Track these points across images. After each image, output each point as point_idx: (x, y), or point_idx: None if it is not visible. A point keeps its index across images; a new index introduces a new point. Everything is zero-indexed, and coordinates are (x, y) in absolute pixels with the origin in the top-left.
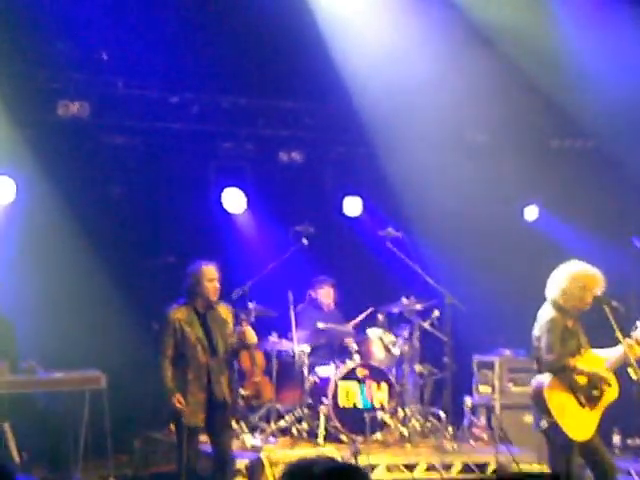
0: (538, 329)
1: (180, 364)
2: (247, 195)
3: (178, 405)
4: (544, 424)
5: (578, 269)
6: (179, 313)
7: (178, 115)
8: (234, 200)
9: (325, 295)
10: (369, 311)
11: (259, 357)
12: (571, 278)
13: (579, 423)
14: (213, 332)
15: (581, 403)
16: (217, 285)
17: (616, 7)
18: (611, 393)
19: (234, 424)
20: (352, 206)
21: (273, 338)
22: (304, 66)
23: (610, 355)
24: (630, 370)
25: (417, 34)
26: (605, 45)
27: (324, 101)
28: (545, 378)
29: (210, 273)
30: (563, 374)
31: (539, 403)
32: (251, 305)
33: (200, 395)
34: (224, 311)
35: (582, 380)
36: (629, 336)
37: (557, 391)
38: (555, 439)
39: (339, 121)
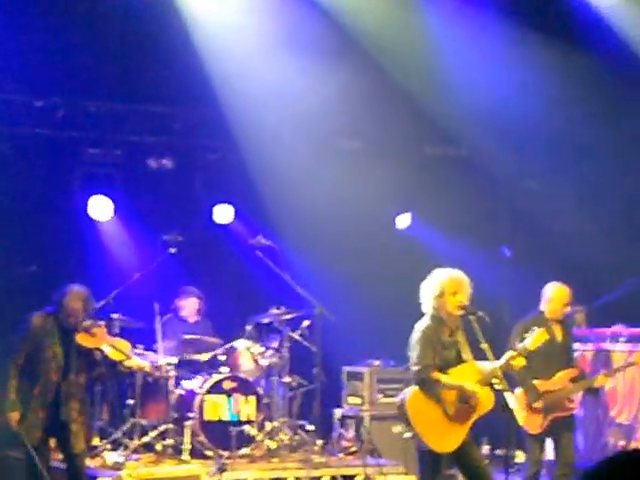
0: (411, 339)
1: (29, 376)
2: (114, 202)
3: (12, 423)
4: (408, 434)
5: (443, 275)
6: (41, 321)
7: (43, 120)
8: (101, 208)
9: (189, 307)
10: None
11: None
12: (437, 285)
13: (443, 435)
14: (72, 352)
15: (448, 416)
16: (73, 322)
17: (484, 15)
18: (483, 406)
19: (95, 440)
20: (223, 214)
21: (138, 350)
22: (174, 70)
23: (487, 368)
24: (495, 381)
25: (288, 40)
26: (476, 54)
27: (194, 106)
28: (410, 390)
29: (68, 309)
30: (427, 386)
31: (402, 414)
32: (115, 316)
33: (41, 413)
34: (99, 334)
35: (451, 394)
36: (514, 348)
37: (420, 403)
38: (419, 450)
39: (210, 127)
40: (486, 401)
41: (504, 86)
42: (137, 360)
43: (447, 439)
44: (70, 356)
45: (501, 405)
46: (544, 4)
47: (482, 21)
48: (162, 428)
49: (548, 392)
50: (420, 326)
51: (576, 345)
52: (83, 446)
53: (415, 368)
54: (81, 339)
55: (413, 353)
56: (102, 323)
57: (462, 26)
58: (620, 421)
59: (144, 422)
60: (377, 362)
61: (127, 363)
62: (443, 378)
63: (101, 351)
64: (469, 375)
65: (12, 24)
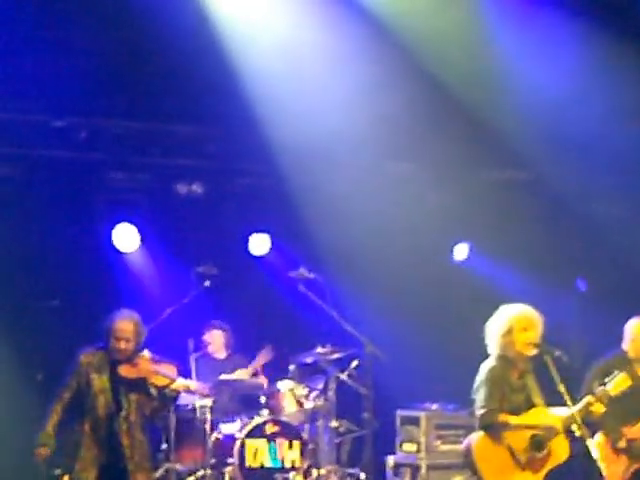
0: (476, 381)
1: (79, 412)
2: (141, 232)
3: (37, 457)
4: None
5: (512, 311)
6: (90, 357)
7: (63, 141)
8: (127, 237)
9: (214, 341)
10: (266, 353)
11: None
12: (505, 322)
13: None
14: (122, 385)
15: (520, 465)
16: (124, 346)
17: (552, 22)
18: (558, 455)
19: None
20: (259, 244)
21: None
22: (205, 87)
23: (562, 414)
24: (574, 427)
25: (334, 54)
26: (542, 63)
27: (227, 127)
28: (476, 435)
29: (118, 331)
30: (495, 432)
31: (468, 462)
32: (146, 354)
33: (95, 450)
34: (143, 363)
35: (523, 439)
36: (592, 392)
37: (488, 450)
38: None
39: (245, 149)
40: (561, 450)
41: (575, 100)
42: (182, 381)
43: None
44: (119, 391)
45: (580, 454)
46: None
47: (550, 27)
48: (199, 474)
49: (633, 439)
50: (486, 367)
51: None
52: None
53: (480, 412)
54: (124, 371)
55: (478, 396)
56: (146, 352)
57: (527, 34)
58: None
59: (179, 467)
60: (435, 406)
61: (173, 386)
62: (513, 420)
63: (145, 380)
64: (541, 420)
65: (29, 38)
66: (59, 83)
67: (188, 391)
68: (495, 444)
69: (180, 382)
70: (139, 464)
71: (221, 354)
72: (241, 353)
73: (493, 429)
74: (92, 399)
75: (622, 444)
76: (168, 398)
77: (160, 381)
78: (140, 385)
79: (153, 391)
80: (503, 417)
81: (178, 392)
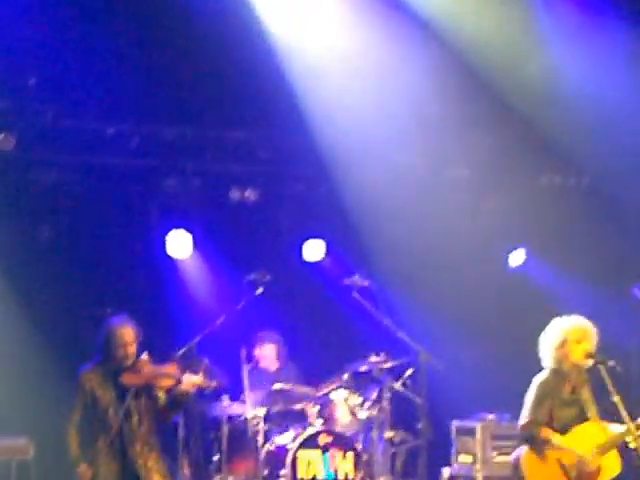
0: (527, 395)
1: (91, 430)
2: (194, 238)
3: (82, 477)
4: None
5: (565, 324)
6: (90, 374)
7: (115, 148)
8: (180, 244)
9: (266, 356)
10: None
11: None
12: (559, 334)
13: None
14: (128, 394)
15: (570, 479)
16: (130, 351)
17: (615, 36)
18: (610, 470)
19: None
20: (313, 251)
21: (224, 401)
22: (257, 92)
23: (616, 429)
24: (629, 439)
25: (389, 58)
26: (599, 66)
27: (280, 131)
28: (525, 448)
29: (122, 337)
30: (534, 444)
31: (517, 475)
32: (145, 357)
33: (113, 465)
34: (145, 368)
35: (572, 453)
36: None
37: (537, 464)
38: None
39: (298, 154)
40: (612, 465)
41: (632, 106)
42: (189, 379)
43: None
44: (126, 400)
45: (634, 467)
46: None
47: (606, 34)
48: None
49: None
50: (537, 380)
51: None
52: None
53: (521, 423)
54: (128, 379)
55: (525, 408)
56: (145, 356)
57: (583, 41)
58: None
59: (232, 478)
60: (490, 416)
61: (182, 387)
62: (554, 438)
63: (151, 386)
64: (592, 436)
65: (79, 43)
66: (111, 90)
67: (198, 388)
68: (540, 458)
69: (186, 379)
70: (153, 469)
71: (273, 366)
72: (294, 363)
73: (534, 442)
74: (102, 415)
75: None
76: (178, 401)
77: (166, 382)
78: (147, 390)
79: (161, 394)
80: (545, 432)
81: (187, 393)
